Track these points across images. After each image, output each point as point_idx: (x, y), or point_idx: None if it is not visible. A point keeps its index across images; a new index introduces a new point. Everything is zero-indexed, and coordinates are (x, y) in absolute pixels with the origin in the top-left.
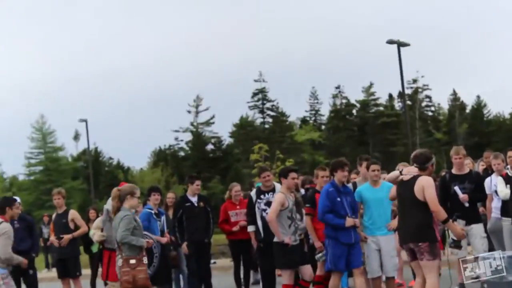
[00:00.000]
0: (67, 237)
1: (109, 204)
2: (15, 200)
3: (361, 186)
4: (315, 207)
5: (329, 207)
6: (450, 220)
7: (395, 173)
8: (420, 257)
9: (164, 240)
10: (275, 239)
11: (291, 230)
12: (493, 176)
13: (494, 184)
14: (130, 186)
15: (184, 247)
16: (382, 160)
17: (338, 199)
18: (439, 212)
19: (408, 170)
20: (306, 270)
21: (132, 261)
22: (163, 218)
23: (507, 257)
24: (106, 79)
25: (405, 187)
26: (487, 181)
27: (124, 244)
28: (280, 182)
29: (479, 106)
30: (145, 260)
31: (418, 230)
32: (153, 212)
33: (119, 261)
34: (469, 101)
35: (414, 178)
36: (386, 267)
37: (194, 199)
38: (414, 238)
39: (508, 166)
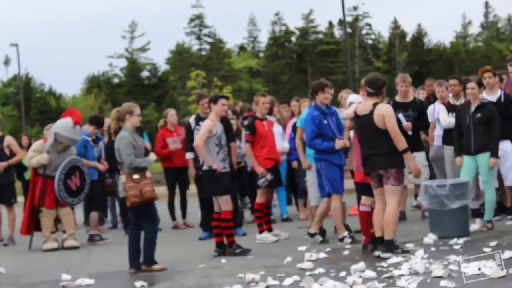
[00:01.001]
0: (2, 164)
1: (58, 127)
2: None
3: (304, 112)
4: (255, 134)
5: (316, 132)
6: (409, 152)
7: (350, 112)
8: (385, 181)
9: (101, 166)
10: (204, 167)
11: (220, 157)
12: (436, 104)
13: (437, 112)
14: (129, 105)
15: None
16: None
17: (325, 121)
18: (400, 141)
19: (362, 107)
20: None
21: (136, 176)
22: (101, 144)
23: (449, 185)
24: (38, 1)
25: (364, 118)
26: (430, 109)
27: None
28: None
29: (419, 35)
30: (148, 174)
31: (388, 156)
32: (90, 138)
33: (122, 178)
34: (410, 30)
35: (372, 107)
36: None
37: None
38: (384, 164)
39: (450, 94)
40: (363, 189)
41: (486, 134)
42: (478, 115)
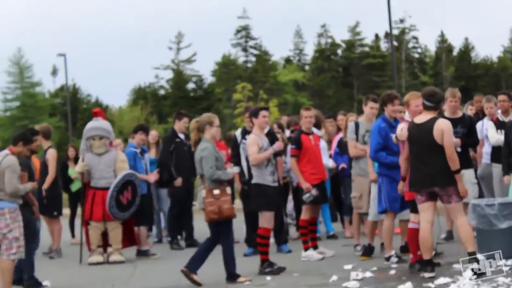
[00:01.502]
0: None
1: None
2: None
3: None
4: (300, 148)
5: (382, 144)
6: (460, 172)
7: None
8: (448, 200)
9: (152, 178)
10: (254, 181)
11: (268, 170)
12: (485, 120)
13: (485, 128)
14: (208, 115)
15: (179, 181)
16: None
17: (392, 134)
18: (455, 160)
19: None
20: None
21: (216, 192)
22: (147, 156)
23: (498, 205)
24: (86, 13)
25: (422, 130)
26: (478, 125)
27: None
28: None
29: (466, 49)
30: (229, 190)
31: (445, 173)
32: (138, 151)
33: (202, 192)
34: (457, 44)
35: (431, 121)
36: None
37: (182, 136)
38: (440, 182)
39: (499, 111)
40: (413, 206)
41: None
42: None
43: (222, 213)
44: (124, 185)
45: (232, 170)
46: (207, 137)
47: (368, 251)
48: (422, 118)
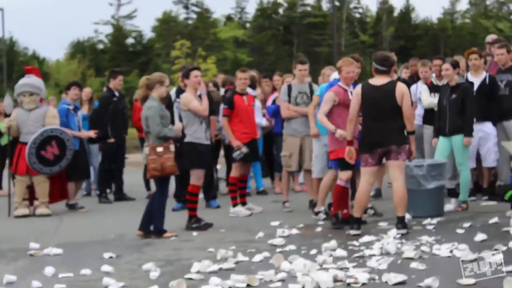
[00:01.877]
0: None
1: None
2: None
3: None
4: (232, 108)
5: None
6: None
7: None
8: (396, 157)
9: (84, 134)
10: (186, 139)
11: (203, 127)
12: (419, 83)
13: (419, 91)
14: (160, 74)
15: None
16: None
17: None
18: (412, 122)
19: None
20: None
21: (159, 149)
22: (80, 113)
23: (426, 166)
24: None
25: (383, 92)
26: (412, 88)
27: (151, 134)
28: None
29: (407, 10)
30: (172, 147)
31: (401, 133)
32: (70, 107)
33: (146, 149)
34: (398, 5)
35: (391, 84)
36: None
37: (117, 94)
38: (397, 140)
39: (433, 74)
40: (342, 164)
41: (462, 115)
42: (454, 95)
43: (164, 170)
44: (46, 140)
45: (179, 127)
46: (155, 96)
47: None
48: (379, 81)
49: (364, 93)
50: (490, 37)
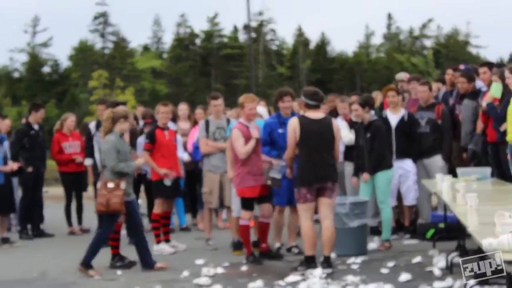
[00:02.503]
0: None
1: None
2: None
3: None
4: (154, 143)
5: (265, 139)
6: None
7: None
8: (330, 195)
9: (8, 168)
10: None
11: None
12: (339, 119)
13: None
14: (125, 110)
15: (30, 169)
16: (224, 92)
17: (280, 130)
18: (338, 157)
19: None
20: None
21: (110, 185)
22: (6, 144)
23: (349, 204)
24: None
25: (323, 125)
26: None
27: (107, 168)
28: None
29: (323, 43)
30: (123, 185)
31: (335, 169)
32: None
33: (98, 184)
34: (314, 38)
35: (328, 118)
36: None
37: (36, 127)
38: (333, 177)
39: (352, 111)
40: (243, 203)
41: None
42: (368, 134)
43: (109, 206)
44: None
45: (138, 163)
46: (117, 130)
47: (238, 246)
48: (316, 115)
49: (303, 126)
50: (404, 75)
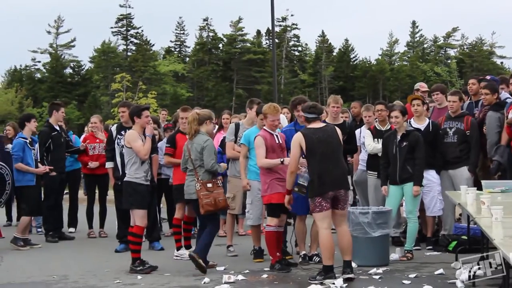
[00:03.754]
0: None
1: None
2: None
3: (249, 130)
4: (175, 147)
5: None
6: None
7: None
8: (343, 205)
9: (41, 170)
10: (126, 178)
11: (144, 168)
12: (363, 128)
13: (363, 136)
14: (209, 112)
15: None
16: (245, 97)
17: None
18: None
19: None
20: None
21: (209, 185)
22: (37, 146)
23: (372, 213)
24: None
25: (328, 132)
26: (356, 132)
27: (201, 169)
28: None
29: (346, 50)
30: (220, 183)
31: (346, 176)
32: (27, 141)
33: (197, 185)
34: (337, 44)
35: (329, 125)
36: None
37: (57, 128)
38: (346, 185)
39: (377, 119)
40: (270, 210)
41: (412, 163)
42: (404, 143)
43: (217, 205)
44: None
45: (224, 166)
46: (204, 131)
47: (258, 254)
48: (316, 125)
49: (309, 136)
50: (420, 85)
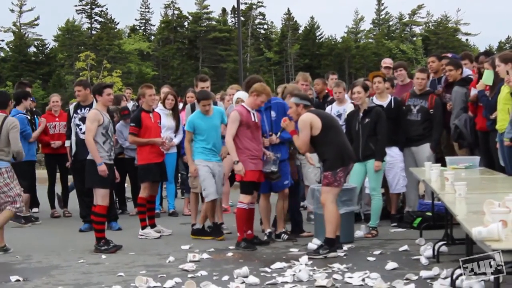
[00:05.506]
0: None
1: None
2: None
3: (193, 115)
4: (140, 126)
5: None
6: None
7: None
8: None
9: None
10: (89, 157)
11: (106, 147)
12: (334, 104)
13: (334, 112)
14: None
15: None
16: (211, 75)
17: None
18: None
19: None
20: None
21: None
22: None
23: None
24: None
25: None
26: (327, 109)
27: None
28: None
29: (312, 28)
30: None
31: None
32: (28, 116)
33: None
34: (303, 22)
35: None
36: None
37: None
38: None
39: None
40: (243, 187)
41: (374, 139)
42: (367, 120)
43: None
44: None
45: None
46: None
47: (218, 230)
48: (317, 111)
49: (320, 114)
50: (387, 61)
